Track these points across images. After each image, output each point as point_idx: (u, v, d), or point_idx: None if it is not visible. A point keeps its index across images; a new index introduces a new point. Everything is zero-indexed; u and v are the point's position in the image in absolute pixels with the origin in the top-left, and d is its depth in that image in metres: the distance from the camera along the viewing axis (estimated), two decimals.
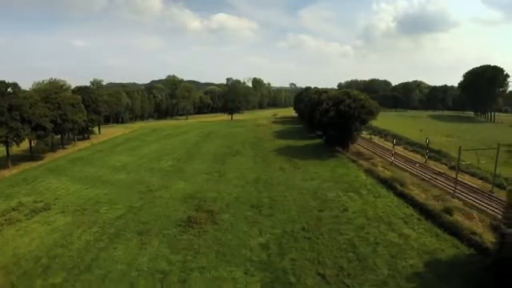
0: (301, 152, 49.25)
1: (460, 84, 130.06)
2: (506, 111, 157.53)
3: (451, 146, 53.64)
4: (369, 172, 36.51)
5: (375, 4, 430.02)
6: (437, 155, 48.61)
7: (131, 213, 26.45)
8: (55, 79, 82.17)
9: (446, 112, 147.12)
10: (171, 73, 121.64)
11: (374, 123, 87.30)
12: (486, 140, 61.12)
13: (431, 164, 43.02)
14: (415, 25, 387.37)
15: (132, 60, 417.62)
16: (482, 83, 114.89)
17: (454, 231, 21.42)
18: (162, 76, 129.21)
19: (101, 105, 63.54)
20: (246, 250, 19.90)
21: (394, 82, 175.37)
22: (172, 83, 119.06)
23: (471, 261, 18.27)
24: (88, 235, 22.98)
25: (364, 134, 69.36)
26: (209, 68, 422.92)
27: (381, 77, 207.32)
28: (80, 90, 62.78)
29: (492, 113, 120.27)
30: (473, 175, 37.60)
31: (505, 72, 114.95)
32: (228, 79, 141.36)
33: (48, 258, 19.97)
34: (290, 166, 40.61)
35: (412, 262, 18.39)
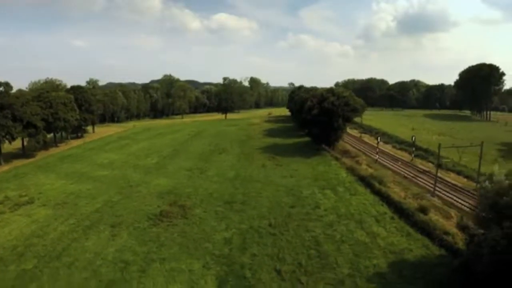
0: (287, 150, 50.10)
1: (456, 82, 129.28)
2: (503, 110, 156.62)
3: (442, 145, 54.48)
4: (350, 170, 36.90)
5: (375, 3, 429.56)
6: (425, 153, 49.07)
7: (108, 207, 27.61)
8: (51, 79, 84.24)
9: (442, 111, 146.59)
10: (171, 72, 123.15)
11: (367, 122, 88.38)
12: (478, 139, 61.00)
13: (418, 162, 43.24)
14: (415, 25, 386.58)
15: (132, 60, 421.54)
16: (477, 81, 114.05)
17: (426, 230, 20.92)
18: (162, 76, 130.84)
19: (94, 104, 64.82)
20: (209, 244, 20.68)
21: (394, 81, 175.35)
22: (168, 82, 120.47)
23: (439, 263, 17.82)
24: (64, 226, 24.18)
25: (355, 132, 70.21)
26: (209, 68, 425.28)
27: (381, 76, 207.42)
28: (73, 89, 64.16)
29: (488, 112, 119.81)
30: (458, 173, 37.74)
31: (500, 70, 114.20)
32: (224, 79, 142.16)
33: (24, 246, 21.21)
34: (272, 164, 41.53)
35: (376, 261, 18.20)
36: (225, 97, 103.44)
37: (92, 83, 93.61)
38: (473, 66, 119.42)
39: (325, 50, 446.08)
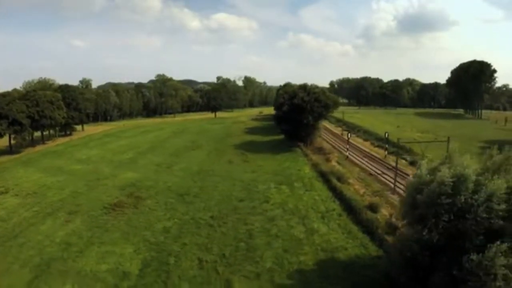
0: (260, 147, 52.10)
1: (448, 80, 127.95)
2: (498, 108, 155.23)
3: (431, 144, 55.50)
4: (315, 166, 37.67)
5: (374, 3, 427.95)
6: (400, 150, 50.62)
7: (71, 197, 30.06)
8: (44, 78, 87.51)
9: (435, 110, 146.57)
10: (170, 72, 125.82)
11: (354, 120, 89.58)
12: (461, 136, 62.32)
13: (391, 159, 43.18)
14: (415, 24, 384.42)
15: (132, 60, 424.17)
16: (467, 78, 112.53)
17: (369, 229, 20.34)
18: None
19: (82, 103, 67.62)
20: (148, 232, 22.32)
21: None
22: (161, 82, 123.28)
23: (372, 264, 17.12)
24: (28, 213, 26.65)
25: (339, 130, 71.79)
26: (209, 67, 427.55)
27: (382, 76, 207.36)
28: (61, 88, 67.05)
29: (480, 110, 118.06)
30: None
31: (492, 67, 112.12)
32: (218, 78, 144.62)
33: None
34: (240, 160, 43.65)
35: (303, 258, 18.08)
36: (214, 96, 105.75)
37: (85, 83, 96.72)
38: (463, 63, 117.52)
39: (326, 49, 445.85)
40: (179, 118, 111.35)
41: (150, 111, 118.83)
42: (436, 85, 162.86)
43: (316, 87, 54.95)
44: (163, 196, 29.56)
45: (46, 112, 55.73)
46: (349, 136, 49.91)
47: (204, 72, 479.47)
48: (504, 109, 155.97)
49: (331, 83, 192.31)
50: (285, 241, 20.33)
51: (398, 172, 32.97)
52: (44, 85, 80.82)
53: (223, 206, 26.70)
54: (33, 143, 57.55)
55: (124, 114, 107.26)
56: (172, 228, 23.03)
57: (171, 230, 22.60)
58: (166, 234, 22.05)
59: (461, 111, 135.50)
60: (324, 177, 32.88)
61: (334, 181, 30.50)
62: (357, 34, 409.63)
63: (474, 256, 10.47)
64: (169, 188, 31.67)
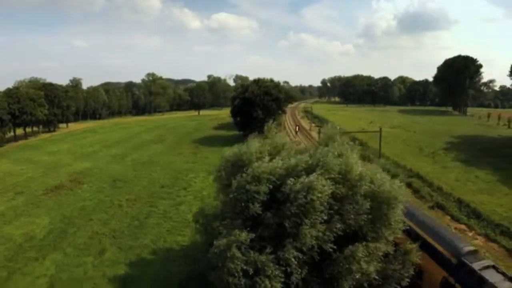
0: (217, 141, 56.02)
1: (434, 77, 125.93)
2: (489, 106, 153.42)
3: (388, 137, 54.94)
4: None
5: (374, 2, 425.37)
6: (354, 144, 53.50)
7: (25, 181, 34.94)
8: (35, 78, 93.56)
9: (424, 107, 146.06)
10: (170, 71, 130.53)
11: (331, 116, 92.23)
12: (432, 131, 64.34)
13: None
14: (416, 23, 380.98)
15: (133, 60, 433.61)
16: (452, 74, 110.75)
17: None
18: (162, 75, 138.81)
19: (64, 100, 73.03)
20: (68, 209, 26.52)
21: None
22: (152, 80, 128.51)
23: None
24: None
25: (310, 126, 75.07)
26: (210, 67, 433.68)
27: (382, 75, 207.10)
28: (44, 86, 72.67)
29: (465, 107, 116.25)
30: (383, 169, 39.76)
31: (477, 62, 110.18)
32: (209, 76, 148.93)
33: None
34: (191, 152, 47.93)
35: (180, 238, 20.13)
36: (198, 94, 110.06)
37: (75, 82, 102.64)
38: (448, 59, 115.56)
39: (327, 49, 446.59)
40: (166, 115, 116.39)
41: (139, 109, 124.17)
42: (426, 82, 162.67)
43: (271, 81, 57.11)
44: (100, 181, 34.11)
45: (26, 109, 61.19)
46: (297, 129, 53.74)
47: (206, 72, 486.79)
48: (496, 107, 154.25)
49: (323, 81, 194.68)
50: (174, 223, 22.83)
51: None
52: (35, 84, 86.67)
53: (143, 191, 30.47)
54: (16, 138, 63.20)
55: (113, 113, 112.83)
56: (89, 206, 27.29)
57: (87, 208, 26.90)
58: (81, 211, 26.30)
59: (450, 108, 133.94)
60: None
61: None
62: (357, 34, 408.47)
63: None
64: (109, 175, 36.21)
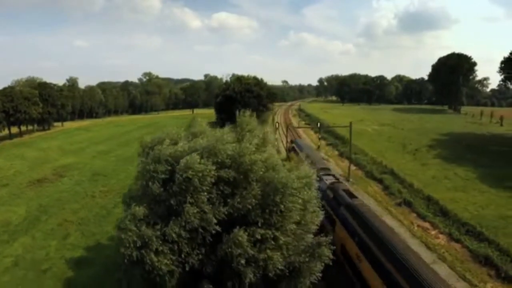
0: None
1: (429, 75, 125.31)
2: (485, 104, 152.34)
3: (374, 134, 58.33)
4: None
5: (375, 1, 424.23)
6: (337, 141, 54.84)
7: (13, 175, 37.16)
8: (32, 77, 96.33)
9: (420, 106, 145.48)
10: (171, 71, 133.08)
11: (322, 114, 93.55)
12: (420, 129, 64.48)
13: (324, 149, 47.09)
14: (416, 22, 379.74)
15: (134, 60, 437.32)
16: (446, 72, 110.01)
17: None
18: (162, 75, 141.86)
19: (58, 99, 75.49)
20: (46, 199, 28.56)
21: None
22: (148, 80, 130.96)
23: None
24: None
25: (299, 123, 76.67)
26: (210, 66, 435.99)
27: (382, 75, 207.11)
28: (39, 85, 75.22)
29: (459, 105, 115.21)
30: (357, 164, 37.71)
31: (472, 60, 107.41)
32: (205, 75, 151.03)
33: None
34: None
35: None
36: (191, 93, 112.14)
37: (72, 81, 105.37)
38: (442, 57, 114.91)
39: (327, 48, 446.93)
40: (162, 114, 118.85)
41: (136, 108, 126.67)
42: (422, 80, 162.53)
43: (254, 78, 58.19)
44: (80, 175, 36.25)
45: (20, 107, 63.69)
46: (276, 125, 55.79)
47: (205, 71, 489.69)
48: (492, 105, 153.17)
49: (320, 80, 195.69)
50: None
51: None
52: (31, 83, 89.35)
53: (118, 184, 32.38)
54: (11, 136, 65.74)
55: (110, 112, 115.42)
56: (64, 197, 29.39)
57: (62, 199, 29.00)
58: (56, 201, 28.39)
59: (446, 107, 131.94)
60: None
61: None
62: (358, 33, 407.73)
63: None
64: (90, 169, 38.36)
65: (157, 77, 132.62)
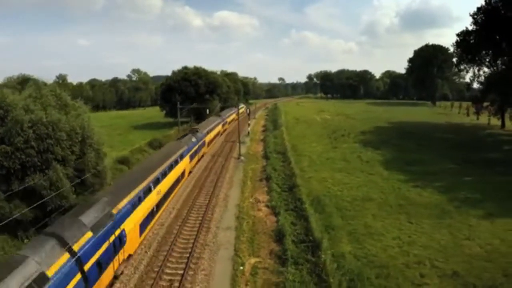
0: (154, 126, 61.64)
1: (406, 69, 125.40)
2: (464, 99, 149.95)
3: (318, 123, 62.05)
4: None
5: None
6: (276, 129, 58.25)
7: None
8: (23, 74, 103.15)
9: (403, 101, 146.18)
10: (170, 69, 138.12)
11: (290, 108, 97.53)
12: (373, 119, 67.17)
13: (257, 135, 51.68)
14: (418, 20, 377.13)
15: (135, 58, 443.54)
16: (420, 64, 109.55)
17: None
18: (163, 73, 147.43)
19: None
20: None
21: None
22: (137, 76, 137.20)
23: None
24: None
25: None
26: (211, 64, 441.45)
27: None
28: (24, 82, 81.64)
29: (435, 100, 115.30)
30: (268, 147, 39.11)
31: (449, 51, 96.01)
32: None
33: None
34: (118, 134, 54.35)
35: None
36: None
37: (61, 78, 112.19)
38: (416, 49, 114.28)
39: (329, 47, 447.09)
40: (147, 109, 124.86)
41: (123, 104, 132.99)
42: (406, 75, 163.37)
43: (196, 69, 59.26)
44: None
45: None
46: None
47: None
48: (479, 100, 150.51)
49: (309, 76, 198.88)
50: None
51: None
52: (22, 80, 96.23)
53: None
54: None
55: (97, 107, 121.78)
56: None
57: None
58: None
59: (427, 102, 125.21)
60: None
61: None
62: (360, 31, 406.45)
63: None
64: None
65: (144, 73, 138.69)
